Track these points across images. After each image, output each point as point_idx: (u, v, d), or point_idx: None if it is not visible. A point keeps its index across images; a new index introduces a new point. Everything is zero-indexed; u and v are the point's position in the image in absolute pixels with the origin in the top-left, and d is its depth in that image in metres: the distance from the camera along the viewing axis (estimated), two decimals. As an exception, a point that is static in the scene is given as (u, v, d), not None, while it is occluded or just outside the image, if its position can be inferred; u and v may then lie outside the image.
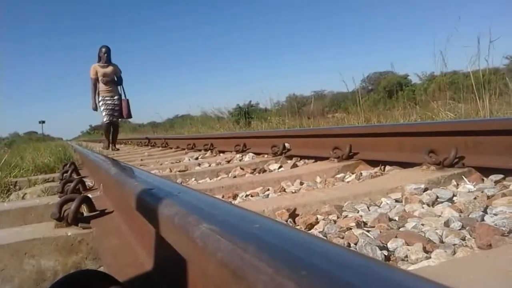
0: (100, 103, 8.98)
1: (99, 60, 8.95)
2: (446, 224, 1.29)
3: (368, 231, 1.33)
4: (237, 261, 0.41)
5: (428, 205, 1.56)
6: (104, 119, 9.08)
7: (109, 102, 9.00)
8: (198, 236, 0.51)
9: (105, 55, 8.85)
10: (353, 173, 2.46)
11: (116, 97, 9.10)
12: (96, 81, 8.95)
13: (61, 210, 1.54)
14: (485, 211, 1.38)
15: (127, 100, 9.29)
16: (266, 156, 3.72)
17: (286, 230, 0.48)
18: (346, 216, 1.52)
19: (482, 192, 1.61)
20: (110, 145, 9.30)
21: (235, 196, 2.18)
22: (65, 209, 1.55)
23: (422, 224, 1.33)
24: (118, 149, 9.27)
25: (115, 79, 9.13)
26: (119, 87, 9.25)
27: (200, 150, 5.62)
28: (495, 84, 4.53)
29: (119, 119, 9.36)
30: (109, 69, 8.93)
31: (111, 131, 9.32)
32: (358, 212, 1.56)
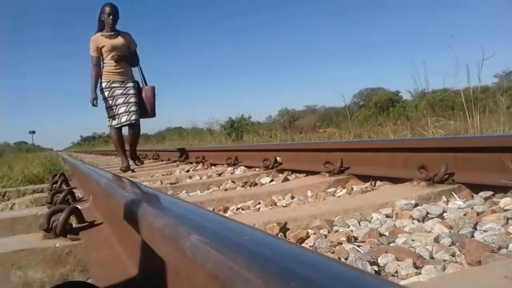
0: (105, 94, 5.40)
1: (101, 27, 5.47)
2: (436, 240, 1.29)
3: (358, 246, 1.33)
4: (227, 272, 0.41)
5: (418, 220, 1.56)
6: (111, 122, 5.45)
7: (118, 92, 5.39)
8: (188, 247, 0.51)
9: (111, 18, 5.34)
10: (344, 188, 2.46)
11: (130, 84, 5.51)
12: (98, 60, 5.44)
13: (49, 221, 1.52)
14: (474, 228, 1.38)
15: (152, 88, 5.69)
16: (257, 169, 3.71)
17: (276, 242, 0.48)
18: (337, 231, 1.52)
19: (472, 208, 1.61)
20: (128, 161, 5.61)
21: (226, 209, 2.17)
22: (54, 220, 1.53)
23: (413, 240, 1.33)
24: (142, 162, 6.07)
25: (129, 56, 5.58)
26: (135, 69, 5.76)
27: (191, 163, 5.60)
28: (485, 102, 4.58)
29: (137, 118, 5.46)
30: (119, 40, 5.45)
31: (129, 139, 5.82)
32: (349, 227, 1.56)
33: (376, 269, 1.13)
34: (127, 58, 5.58)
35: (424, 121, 5.30)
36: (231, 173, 3.86)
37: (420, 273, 1.07)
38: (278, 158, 3.59)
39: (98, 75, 5.45)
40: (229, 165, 4.36)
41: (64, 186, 3.03)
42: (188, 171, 4.68)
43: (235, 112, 17.32)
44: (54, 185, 3.12)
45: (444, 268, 1.08)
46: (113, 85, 5.42)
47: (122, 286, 0.95)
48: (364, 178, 2.58)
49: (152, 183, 3.60)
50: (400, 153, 2.40)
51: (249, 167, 3.98)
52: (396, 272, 1.11)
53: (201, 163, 5.19)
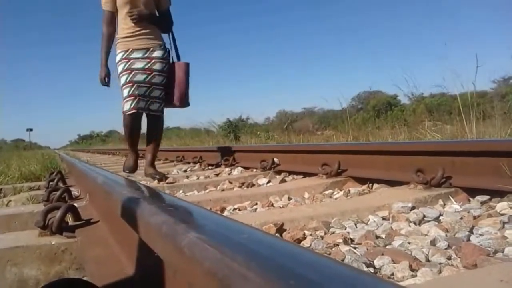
0: (119, 68, 3.77)
1: None
2: (432, 243, 1.30)
3: (355, 248, 1.33)
4: (224, 270, 0.41)
5: (415, 223, 1.56)
6: (127, 105, 3.73)
7: (139, 65, 3.72)
8: (186, 244, 0.51)
9: None
10: (341, 190, 2.46)
11: (157, 54, 3.78)
12: (111, 17, 3.82)
13: (45, 218, 1.52)
14: (471, 231, 1.39)
15: (186, 66, 3.95)
16: (255, 170, 3.71)
17: (274, 240, 0.48)
18: (333, 233, 1.52)
19: (468, 212, 1.62)
20: (137, 157, 4.25)
21: (222, 210, 2.17)
22: (50, 218, 1.53)
23: (409, 243, 1.33)
24: (164, 177, 3.68)
25: (157, 15, 3.91)
26: (164, 35, 3.98)
27: (189, 163, 5.60)
28: (483, 107, 4.61)
29: (159, 109, 3.88)
30: None
31: (147, 138, 4.07)
32: (345, 229, 1.56)
33: (372, 271, 1.14)
34: (154, 17, 3.82)
35: (422, 125, 5.32)
36: (229, 174, 3.86)
37: (416, 276, 1.07)
38: (275, 159, 3.59)
39: (111, 39, 3.80)
40: (226, 165, 4.36)
41: (61, 184, 3.03)
42: (185, 171, 4.67)
43: (233, 113, 17.33)
44: (51, 183, 3.12)
45: (440, 271, 1.09)
46: (132, 55, 3.69)
47: (118, 284, 0.95)
48: (362, 181, 2.58)
49: (149, 182, 3.59)
50: (397, 156, 2.40)
51: (246, 168, 3.98)
52: (392, 274, 1.11)
53: (198, 163, 5.18)
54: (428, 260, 1.18)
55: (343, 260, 1.21)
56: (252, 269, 0.37)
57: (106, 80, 3.90)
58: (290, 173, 3.32)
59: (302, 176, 3.12)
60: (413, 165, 2.16)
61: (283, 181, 3.05)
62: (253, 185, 3.05)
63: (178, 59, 4.01)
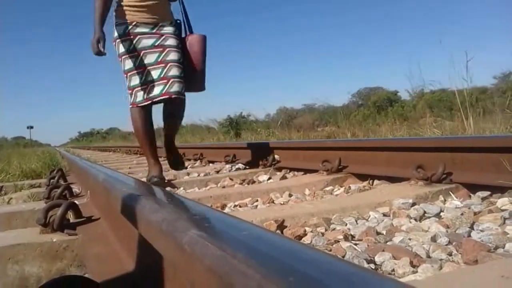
0: (123, 47, 2.99)
1: None
2: (433, 239, 1.30)
3: (355, 244, 1.33)
4: (225, 267, 0.41)
5: (415, 220, 1.56)
6: (139, 96, 3.00)
7: (147, 42, 2.98)
8: (186, 242, 0.51)
9: None
10: (342, 186, 2.46)
11: (168, 29, 3.06)
12: None
13: (46, 216, 1.52)
14: (471, 227, 1.39)
15: (202, 37, 3.19)
16: (255, 167, 3.71)
17: (274, 237, 0.48)
18: (334, 229, 1.52)
19: (469, 208, 1.62)
20: (161, 166, 3.16)
21: (223, 206, 2.17)
22: (51, 215, 1.53)
23: (409, 239, 1.33)
24: (184, 166, 3.75)
25: None
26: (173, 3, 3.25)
27: (189, 160, 5.60)
28: (483, 102, 4.60)
29: (180, 90, 2.98)
30: None
31: (165, 125, 3.36)
32: (346, 225, 1.56)
33: (373, 267, 1.14)
34: None
35: (422, 121, 5.32)
36: (229, 171, 3.86)
37: (416, 272, 1.07)
38: (276, 156, 3.59)
39: (105, 6, 2.96)
40: (227, 162, 4.36)
41: (61, 181, 3.03)
42: (186, 167, 4.67)
43: (233, 110, 17.32)
44: (52, 180, 3.12)
45: (440, 267, 1.09)
46: (137, 30, 2.96)
47: (119, 281, 0.95)
48: (362, 177, 2.58)
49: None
50: (398, 153, 2.40)
51: (247, 165, 3.98)
52: (393, 270, 1.11)
53: (199, 160, 5.18)
54: (429, 256, 1.18)
55: (343, 256, 1.21)
56: (251, 266, 0.37)
57: (100, 46, 2.88)
58: (291, 169, 3.32)
59: (302, 173, 3.12)
60: (414, 161, 2.16)
61: (283, 177, 3.05)
62: (254, 182, 3.06)
63: (191, 30, 3.23)
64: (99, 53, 2.88)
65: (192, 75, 3.09)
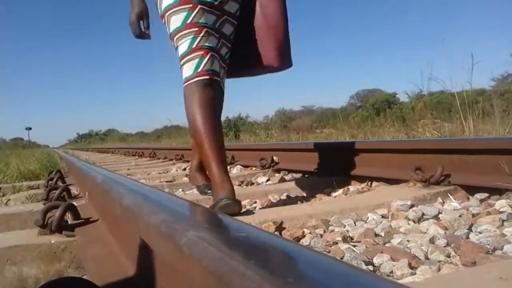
0: (177, 21, 1.90)
1: None
2: (432, 240, 1.30)
3: (354, 246, 1.33)
4: (223, 268, 0.41)
5: (414, 221, 1.56)
6: (190, 69, 1.90)
7: (209, 19, 1.92)
8: (185, 243, 0.51)
9: None
10: (340, 188, 2.46)
11: (233, 3, 1.99)
12: None
13: (45, 217, 1.52)
14: (470, 229, 1.39)
15: (281, 1, 2.03)
16: (254, 168, 3.71)
17: (272, 238, 0.48)
18: (332, 231, 1.52)
19: (467, 210, 1.62)
20: (232, 183, 1.76)
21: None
22: (49, 217, 1.53)
23: (408, 240, 1.33)
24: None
25: None
26: None
27: (188, 161, 5.59)
28: (481, 104, 4.60)
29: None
30: None
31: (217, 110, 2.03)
32: (344, 227, 1.56)
33: (371, 269, 1.14)
34: None
35: (420, 123, 5.32)
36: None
37: (415, 274, 1.07)
38: (275, 158, 3.59)
39: None
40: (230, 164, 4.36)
41: (60, 183, 3.03)
42: (184, 169, 4.67)
43: (232, 112, 17.31)
44: (50, 182, 3.11)
45: (439, 269, 1.09)
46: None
47: (117, 283, 0.95)
48: (360, 179, 2.58)
49: (148, 180, 3.59)
50: (396, 154, 2.40)
51: (245, 166, 3.98)
52: (391, 272, 1.11)
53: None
54: (427, 258, 1.18)
55: (342, 258, 1.21)
56: (250, 267, 0.37)
57: (142, 25, 2.09)
58: (290, 171, 3.32)
59: (301, 175, 3.12)
60: (412, 163, 2.16)
61: (282, 179, 3.05)
62: (252, 183, 3.06)
63: None
64: (142, 35, 2.10)
65: (274, 46, 2.10)
